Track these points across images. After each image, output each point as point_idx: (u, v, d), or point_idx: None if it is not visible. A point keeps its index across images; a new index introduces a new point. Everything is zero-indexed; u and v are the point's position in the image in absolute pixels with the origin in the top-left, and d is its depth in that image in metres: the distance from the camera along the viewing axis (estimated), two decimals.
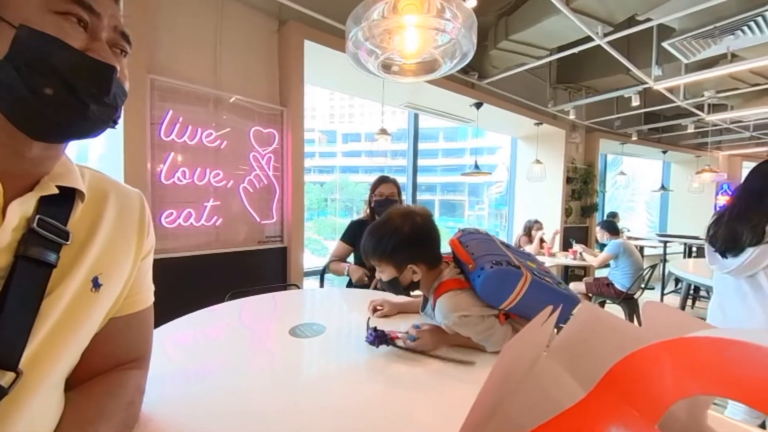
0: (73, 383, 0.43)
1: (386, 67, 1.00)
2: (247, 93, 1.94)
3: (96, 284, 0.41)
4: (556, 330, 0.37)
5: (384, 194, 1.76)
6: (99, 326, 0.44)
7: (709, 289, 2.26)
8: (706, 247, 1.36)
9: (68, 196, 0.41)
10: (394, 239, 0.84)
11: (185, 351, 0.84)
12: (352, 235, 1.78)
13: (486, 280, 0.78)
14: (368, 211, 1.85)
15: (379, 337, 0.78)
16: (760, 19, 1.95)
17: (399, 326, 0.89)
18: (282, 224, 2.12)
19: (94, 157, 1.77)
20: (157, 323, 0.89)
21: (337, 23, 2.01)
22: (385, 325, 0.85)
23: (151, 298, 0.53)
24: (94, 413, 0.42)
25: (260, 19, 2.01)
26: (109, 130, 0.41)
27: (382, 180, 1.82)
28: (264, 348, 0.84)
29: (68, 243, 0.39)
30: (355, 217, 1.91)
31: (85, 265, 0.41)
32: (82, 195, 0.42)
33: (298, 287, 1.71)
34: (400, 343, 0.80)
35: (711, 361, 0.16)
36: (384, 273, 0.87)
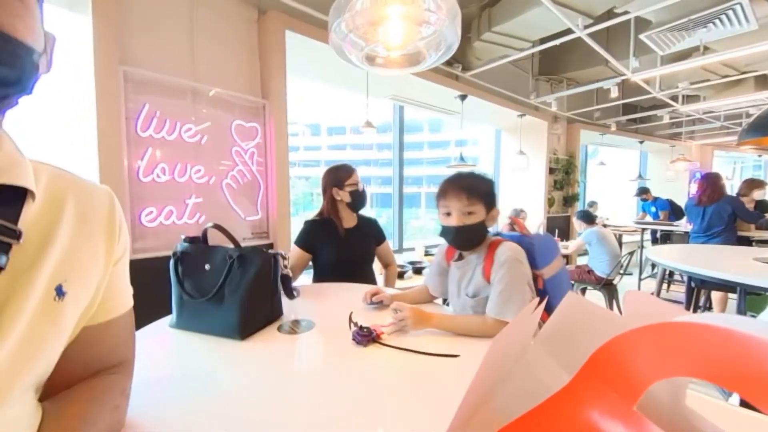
0: (50, 393, 0.41)
1: (370, 59, 0.99)
2: (227, 85, 1.88)
3: (60, 292, 0.38)
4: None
5: (361, 184, 1.49)
6: (70, 335, 0.42)
7: (683, 273, 2.34)
8: None
9: (15, 194, 0.36)
10: (490, 182, 0.99)
11: (171, 352, 0.82)
12: (311, 239, 1.46)
13: (543, 237, 1.03)
14: (328, 207, 1.48)
15: (365, 336, 0.80)
16: (730, 12, 2.02)
17: (386, 319, 0.90)
18: (267, 220, 2.09)
19: (65, 154, 1.69)
20: (140, 324, 0.87)
21: (319, 13, 1.97)
22: (370, 320, 0.88)
23: (130, 302, 0.51)
24: (78, 420, 0.40)
25: (238, 8, 1.95)
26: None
27: (353, 168, 1.50)
28: (252, 346, 0.83)
29: (19, 243, 0.35)
30: (309, 217, 1.54)
31: (45, 272, 0.37)
32: (33, 194, 0.37)
33: None
34: (385, 337, 0.83)
35: (685, 345, 0.16)
36: (473, 215, 0.93)
